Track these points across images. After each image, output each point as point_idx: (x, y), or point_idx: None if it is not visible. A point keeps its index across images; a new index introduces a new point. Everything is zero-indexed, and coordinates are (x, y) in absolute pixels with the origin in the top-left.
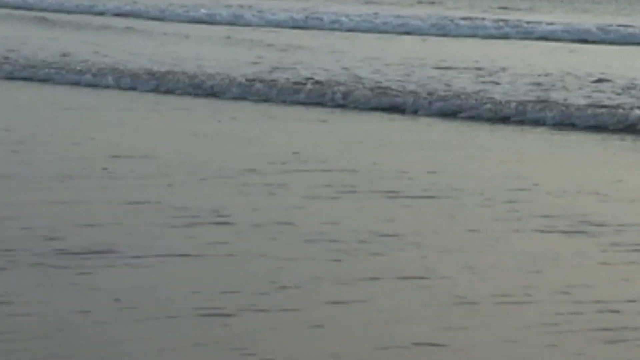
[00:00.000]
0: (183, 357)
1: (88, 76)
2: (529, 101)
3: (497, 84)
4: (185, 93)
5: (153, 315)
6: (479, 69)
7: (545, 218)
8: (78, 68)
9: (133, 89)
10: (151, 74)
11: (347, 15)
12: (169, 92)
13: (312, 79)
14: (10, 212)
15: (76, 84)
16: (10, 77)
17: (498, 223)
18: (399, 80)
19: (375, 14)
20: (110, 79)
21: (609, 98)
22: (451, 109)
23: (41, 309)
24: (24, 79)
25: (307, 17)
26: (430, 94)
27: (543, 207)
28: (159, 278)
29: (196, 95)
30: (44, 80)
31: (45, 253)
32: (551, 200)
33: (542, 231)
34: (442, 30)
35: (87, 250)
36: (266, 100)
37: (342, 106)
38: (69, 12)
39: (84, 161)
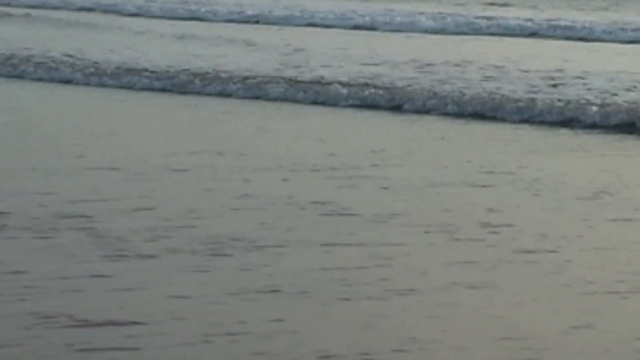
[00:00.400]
0: (342, 339)
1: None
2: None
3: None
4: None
5: (303, 299)
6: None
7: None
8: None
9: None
10: (243, 77)
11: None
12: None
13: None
14: (143, 203)
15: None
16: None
17: (599, 213)
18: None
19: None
20: (198, 84)
21: None
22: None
23: (193, 292)
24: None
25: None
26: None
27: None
28: (301, 264)
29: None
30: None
31: (187, 241)
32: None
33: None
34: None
35: (225, 239)
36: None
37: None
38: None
39: (188, 156)
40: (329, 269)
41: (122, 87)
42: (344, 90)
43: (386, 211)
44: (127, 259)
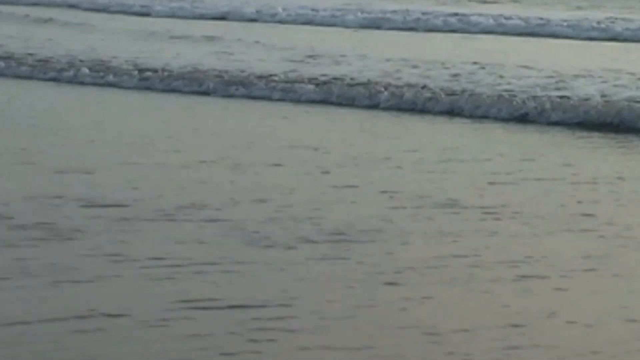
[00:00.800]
0: (470, 320)
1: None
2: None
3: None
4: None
5: (444, 282)
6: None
7: None
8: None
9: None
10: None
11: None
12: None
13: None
14: (255, 194)
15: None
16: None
17: None
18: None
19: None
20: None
21: None
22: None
23: (332, 278)
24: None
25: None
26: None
27: None
28: (428, 252)
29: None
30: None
31: (315, 231)
32: None
33: None
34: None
35: (349, 229)
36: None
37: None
38: None
39: (285, 149)
40: (456, 256)
41: (193, 92)
42: (428, 94)
43: (489, 203)
44: (258, 247)
